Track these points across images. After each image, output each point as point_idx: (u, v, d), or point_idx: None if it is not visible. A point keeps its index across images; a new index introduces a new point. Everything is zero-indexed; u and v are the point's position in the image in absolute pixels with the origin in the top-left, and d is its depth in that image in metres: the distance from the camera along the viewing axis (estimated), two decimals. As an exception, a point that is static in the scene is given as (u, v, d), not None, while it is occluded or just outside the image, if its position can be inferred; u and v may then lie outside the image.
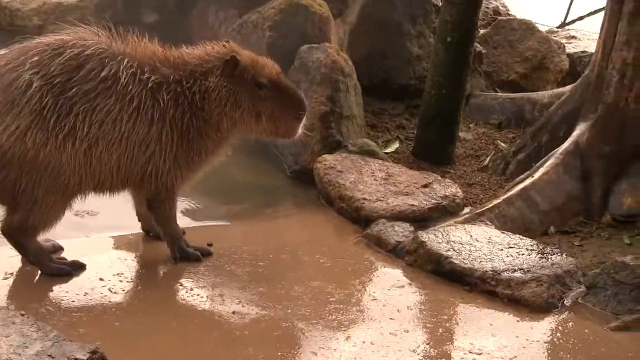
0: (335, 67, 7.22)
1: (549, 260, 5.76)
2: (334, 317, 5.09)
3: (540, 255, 5.81)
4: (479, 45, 8.70)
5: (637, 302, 5.48)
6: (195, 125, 5.34)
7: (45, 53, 5.03)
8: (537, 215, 6.63)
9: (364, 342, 4.83)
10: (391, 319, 5.14)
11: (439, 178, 7.02)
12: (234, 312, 5.00)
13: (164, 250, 5.57)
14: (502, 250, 5.84)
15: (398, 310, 5.24)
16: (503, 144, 8.19)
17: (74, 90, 4.98)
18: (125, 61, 5.15)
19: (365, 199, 6.48)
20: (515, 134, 8.43)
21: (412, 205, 6.45)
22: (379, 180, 6.76)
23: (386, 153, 7.58)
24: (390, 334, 4.97)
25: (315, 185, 6.81)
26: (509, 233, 6.16)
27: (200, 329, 4.87)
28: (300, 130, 5.58)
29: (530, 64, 9.20)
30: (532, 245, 5.97)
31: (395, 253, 6.00)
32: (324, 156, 6.98)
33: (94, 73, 5.04)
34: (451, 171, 7.59)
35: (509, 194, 6.81)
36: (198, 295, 5.22)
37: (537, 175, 6.95)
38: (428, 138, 7.69)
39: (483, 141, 8.32)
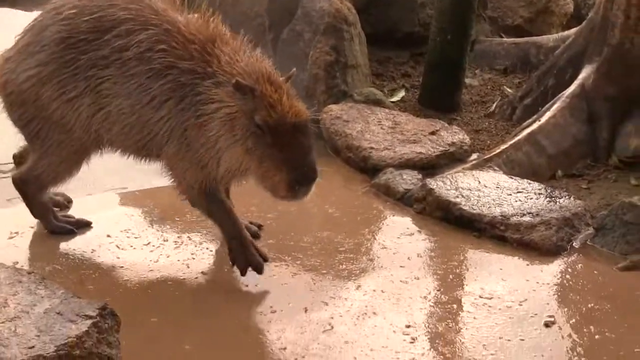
0: (339, 15, 7.09)
1: (557, 203, 5.70)
2: (343, 266, 5.06)
3: (548, 199, 5.75)
4: (482, -10, 8.55)
5: (646, 242, 5.44)
6: (192, 132, 4.71)
7: (79, 8, 4.82)
8: (544, 159, 6.55)
9: (374, 290, 4.80)
10: (401, 266, 5.11)
11: (446, 125, 6.93)
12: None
13: (170, 204, 5.48)
14: (510, 194, 5.78)
15: (408, 258, 5.20)
16: (509, 89, 8.10)
17: (92, 52, 4.76)
18: (145, 34, 4.72)
19: (372, 147, 6.40)
20: (521, 78, 8.32)
21: (420, 153, 6.37)
22: (385, 128, 6.68)
23: (392, 101, 7.50)
24: (401, 281, 4.94)
25: (322, 136, 6.70)
26: (517, 177, 6.10)
27: (209, 282, 4.85)
28: (293, 199, 4.65)
29: (534, 8, 9.02)
30: (539, 189, 5.91)
31: (403, 201, 5.95)
32: (329, 106, 6.90)
33: (114, 39, 4.74)
34: (458, 118, 7.50)
35: (516, 138, 6.74)
36: (207, 249, 5.18)
37: (543, 119, 6.88)
38: (434, 85, 7.58)
39: (489, 87, 8.21)
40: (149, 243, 5.25)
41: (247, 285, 4.83)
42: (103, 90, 4.77)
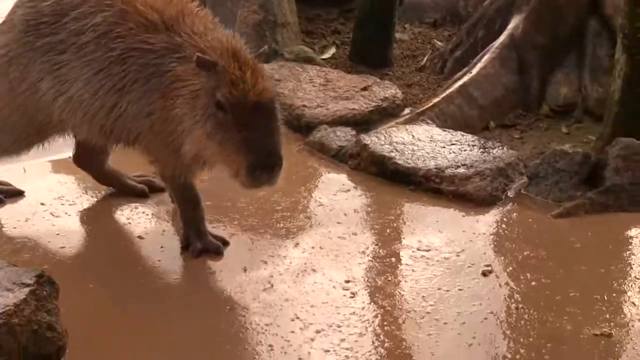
0: (265, -27, 7.06)
1: (491, 154, 5.79)
2: (281, 225, 5.10)
3: (481, 150, 5.84)
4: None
5: (577, 189, 5.56)
6: (161, 111, 4.43)
7: None
8: (476, 110, 6.65)
9: (312, 247, 4.86)
10: (338, 222, 5.16)
11: (378, 80, 6.97)
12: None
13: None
14: (444, 147, 5.86)
15: (345, 214, 5.25)
16: (439, 42, 8.14)
17: (50, 37, 4.57)
18: (103, 15, 4.47)
19: (304, 105, 6.42)
20: (451, 31, 8.35)
21: (353, 109, 6.41)
22: (317, 86, 6.69)
23: (323, 59, 7.50)
24: (339, 237, 5.00)
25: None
26: (450, 130, 6.19)
27: (146, 246, 4.84)
28: (255, 187, 4.38)
29: (462, -40, 9.07)
30: (473, 141, 6.00)
31: (338, 158, 5.99)
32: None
33: (71, 23, 4.53)
34: (389, 73, 7.53)
35: (448, 91, 6.82)
36: (143, 212, 5.17)
37: (474, 71, 6.95)
38: (364, 41, 7.59)
39: (419, 41, 8.24)
40: (83, 210, 5.22)
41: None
42: (61, 76, 4.57)
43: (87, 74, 4.49)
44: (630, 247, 5.17)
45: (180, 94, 4.33)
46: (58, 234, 4.88)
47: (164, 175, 4.77)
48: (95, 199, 5.31)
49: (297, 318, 4.31)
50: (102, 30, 4.45)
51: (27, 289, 3.46)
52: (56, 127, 4.81)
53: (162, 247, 4.84)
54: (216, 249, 4.74)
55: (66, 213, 5.11)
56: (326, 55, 7.68)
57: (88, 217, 5.11)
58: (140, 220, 5.08)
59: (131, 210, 5.16)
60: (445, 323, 4.31)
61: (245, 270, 4.65)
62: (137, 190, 5.32)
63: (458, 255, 4.84)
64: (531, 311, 4.42)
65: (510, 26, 7.19)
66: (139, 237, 4.92)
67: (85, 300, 4.30)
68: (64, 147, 5.53)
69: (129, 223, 5.05)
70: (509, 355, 4.11)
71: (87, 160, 5.26)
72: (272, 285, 4.53)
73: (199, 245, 4.71)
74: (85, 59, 4.49)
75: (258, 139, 4.13)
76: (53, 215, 5.07)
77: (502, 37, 7.15)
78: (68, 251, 4.74)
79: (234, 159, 4.18)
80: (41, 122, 4.77)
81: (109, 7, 4.48)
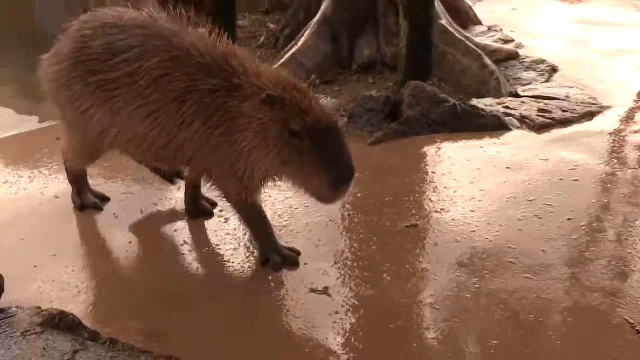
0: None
1: (319, 103, 5.74)
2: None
3: (311, 101, 5.78)
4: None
5: (383, 122, 5.65)
6: (224, 149, 3.74)
7: (95, 29, 3.87)
8: (305, 72, 6.57)
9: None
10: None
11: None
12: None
13: (19, 151, 5.05)
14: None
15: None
16: (272, 25, 8.03)
17: (102, 74, 3.80)
18: (158, 60, 3.71)
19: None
20: (280, 16, 8.29)
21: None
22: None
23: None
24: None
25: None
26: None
27: (60, 204, 4.57)
28: (335, 199, 3.71)
29: (281, -38, 8.90)
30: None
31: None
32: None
33: (124, 64, 3.76)
34: (236, 51, 7.34)
35: (282, 60, 6.83)
36: (57, 178, 4.87)
37: (300, 44, 6.98)
38: (212, 28, 7.31)
39: (256, 25, 8.15)
40: (7, 181, 4.86)
41: (105, 210, 4.56)
42: (114, 111, 3.83)
43: (143, 112, 3.76)
44: (424, 160, 5.28)
45: (246, 129, 3.65)
46: None
47: (231, 200, 3.97)
48: (16, 172, 4.96)
49: (186, 243, 4.18)
50: (157, 74, 3.71)
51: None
52: (106, 149, 4.12)
53: (73, 206, 4.56)
54: (294, 260, 4.04)
55: None
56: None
57: (11, 186, 4.77)
58: (54, 184, 4.79)
59: (46, 178, 4.86)
60: (297, 232, 4.28)
61: (141, 212, 4.45)
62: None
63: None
64: (360, 215, 4.45)
65: (323, 8, 7.22)
66: (56, 196, 4.64)
67: (11, 256, 4.02)
68: None
69: (46, 187, 4.73)
70: (346, 250, 4.13)
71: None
72: (163, 221, 4.36)
73: (278, 259, 3.98)
74: (141, 99, 3.75)
75: (334, 156, 3.55)
76: None
77: (318, 17, 7.16)
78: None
79: (314, 178, 3.56)
80: (92, 142, 4.07)
81: (163, 52, 3.72)
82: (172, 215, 4.42)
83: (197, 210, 4.42)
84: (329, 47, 6.94)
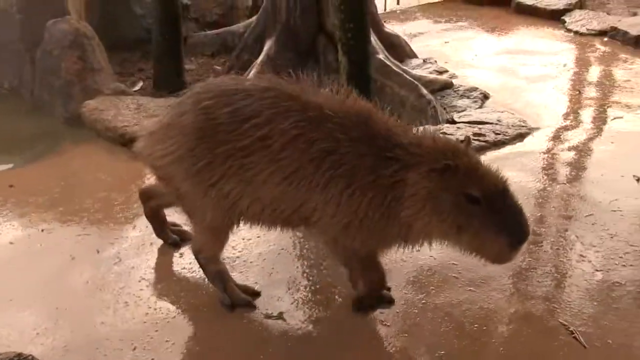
0: (79, 33, 6.68)
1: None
2: (120, 215, 4.89)
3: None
4: (184, -1, 8.41)
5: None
6: (374, 215, 3.43)
7: (217, 99, 3.54)
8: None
9: (146, 227, 4.67)
10: (163, 205, 5.02)
11: (177, 100, 6.79)
12: (42, 230, 4.65)
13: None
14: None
15: (167, 199, 5.10)
16: (218, 67, 8.10)
17: (232, 143, 3.47)
18: (292, 121, 3.40)
19: (125, 126, 6.16)
20: (225, 58, 8.31)
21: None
22: (132, 110, 6.44)
23: (135, 90, 7.23)
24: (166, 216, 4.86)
25: (85, 125, 6.35)
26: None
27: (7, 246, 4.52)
28: (512, 259, 3.49)
29: (224, 6, 8.95)
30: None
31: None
32: (86, 102, 6.51)
33: (254, 129, 3.43)
34: (185, 93, 7.37)
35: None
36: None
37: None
38: (162, 74, 7.34)
39: (203, 68, 8.14)
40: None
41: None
42: (247, 179, 3.50)
43: (278, 176, 3.44)
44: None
45: (408, 196, 3.37)
46: None
47: (356, 255, 3.69)
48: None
49: (143, 279, 4.19)
50: (292, 134, 3.40)
51: None
52: (232, 219, 3.74)
53: (24, 243, 4.52)
54: (389, 299, 3.91)
55: None
56: (136, 88, 7.41)
57: None
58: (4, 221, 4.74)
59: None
60: (251, 262, 4.33)
61: (98, 251, 4.45)
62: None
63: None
64: (310, 242, 4.49)
65: (266, 48, 7.31)
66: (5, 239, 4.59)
67: None
68: None
69: None
70: (299, 275, 4.21)
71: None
72: (120, 260, 4.37)
73: (373, 302, 3.85)
74: (277, 163, 3.43)
75: (513, 217, 3.33)
76: None
77: (261, 57, 7.25)
78: None
79: (494, 241, 3.31)
80: (216, 217, 3.69)
81: (296, 112, 3.42)
82: (129, 254, 4.42)
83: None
84: (273, 85, 7.08)
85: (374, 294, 3.84)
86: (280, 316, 3.85)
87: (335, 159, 3.38)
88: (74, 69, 6.61)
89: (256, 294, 4.00)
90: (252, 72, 7.04)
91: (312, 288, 4.09)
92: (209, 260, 3.92)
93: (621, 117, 6.42)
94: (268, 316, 3.85)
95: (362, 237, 3.50)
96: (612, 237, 4.48)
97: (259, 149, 3.43)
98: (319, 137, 3.38)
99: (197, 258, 3.98)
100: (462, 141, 3.55)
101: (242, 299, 3.93)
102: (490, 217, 3.27)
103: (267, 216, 3.60)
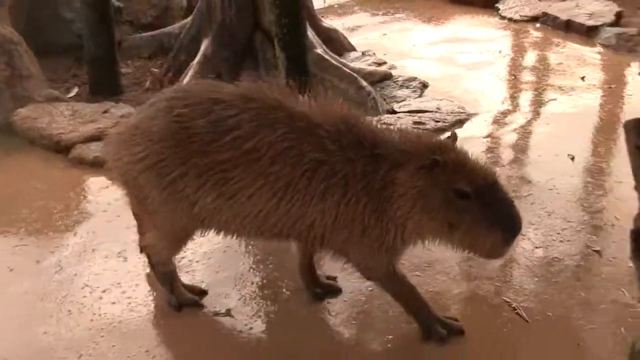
0: (5, 39, 6.52)
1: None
2: (60, 222, 4.81)
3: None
4: (115, 1, 8.25)
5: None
6: (370, 220, 3.35)
7: (192, 107, 3.37)
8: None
9: (87, 233, 4.63)
10: (104, 211, 4.95)
11: (114, 104, 6.70)
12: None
13: None
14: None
15: (108, 204, 5.04)
16: (155, 70, 7.99)
17: (212, 155, 3.32)
18: (276, 135, 3.29)
19: (61, 133, 6.05)
20: (162, 60, 8.19)
21: (99, 128, 6.12)
22: (67, 117, 6.32)
23: (69, 97, 7.09)
24: (107, 221, 4.80)
25: (18, 134, 6.19)
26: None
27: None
28: (506, 253, 3.43)
29: (158, 8, 8.88)
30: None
31: (95, 166, 5.64)
32: (18, 110, 6.36)
33: (238, 141, 3.30)
34: (122, 97, 7.21)
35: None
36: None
37: (184, 83, 6.90)
38: (97, 78, 7.20)
39: (140, 71, 8.01)
40: None
41: None
42: (228, 192, 3.35)
43: (266, 189, 3.32)
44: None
45: (402, 198, 3.29)
46: None
47: (376, 277, 3.58)
48: None
49: (87, 286, 4.14)
50: (282, 147, 3.29)
51: None
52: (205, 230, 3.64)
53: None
54: (458, 328, 3.63)
55: None
56: (72, 94, 7.26)
57: None
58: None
59: None
60: (197, 261, 4.33)
61: (38, 262, 4.36)
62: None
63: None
64: (255, 238, 4.50)
65: (202, 48, 7.25)
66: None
67: None
68: None
69: None
70: (245, 271, 4.22)
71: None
72: (61, 268, 4.30)
73: (442, 330, 3.58)
74: (264, 177, 3.31)
75: (504, 211, 3.25)
76: None
77: (198, 57, 7.19)
78: None
79: (486, 235, 3.23)
80: (188, 226, 3.58)
81: (283, 124, 3.32)
82: (70, 261, 4.35)
83: (323, 289, 3.97)
84: (212, 84, 7.05)
85: (428, 322, 3.59)
86: (228, 313, 3.85)
87: (328, 169, 3.30)
88: (2, 75, 6.45)
89: (203, 293, 4.00)
90: (189, 73, 7.01)
91: (259, 283, 4.10)
92: (162, 262, 3.86)
93: (555, 99, 6.62)
94: (216, 314, 3.85)
95: (366, 248, 3.41)
96: (549, 215, 4.63)
97: (244, 162, 3.30)
98: (310, 148, 3.30)
99: (148, 257, 3.96)
100: (448, 137, 3.52)
101: (189, 299, 3.90)
102: (481, 211, 3.20)
103: (250, 230, 3.48)
